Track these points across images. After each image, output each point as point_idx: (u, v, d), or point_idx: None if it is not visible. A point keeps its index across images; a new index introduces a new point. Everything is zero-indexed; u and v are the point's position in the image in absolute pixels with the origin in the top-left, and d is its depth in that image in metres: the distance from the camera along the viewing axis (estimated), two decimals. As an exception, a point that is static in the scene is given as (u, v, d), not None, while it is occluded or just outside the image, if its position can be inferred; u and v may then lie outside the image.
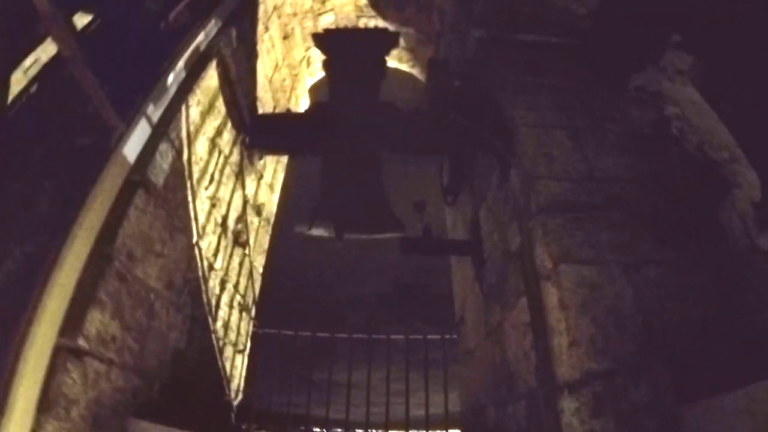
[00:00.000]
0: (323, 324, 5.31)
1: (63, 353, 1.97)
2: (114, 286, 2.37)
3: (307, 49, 5.81)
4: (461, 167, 3.94)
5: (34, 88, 3.12)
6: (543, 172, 2.87)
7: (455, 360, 4.57)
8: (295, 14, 5.32)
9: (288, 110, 4.96)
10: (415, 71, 6.12)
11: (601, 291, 2.28)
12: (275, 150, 4.27)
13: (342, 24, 5.86)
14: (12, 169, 2.58)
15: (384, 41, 4.15)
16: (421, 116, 3.94)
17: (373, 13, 5.78)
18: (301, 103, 5.95)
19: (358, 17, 5.87)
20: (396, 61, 6.12)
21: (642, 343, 2.16)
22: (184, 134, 3.10)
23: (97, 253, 2.33)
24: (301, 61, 5.74)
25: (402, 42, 5.99)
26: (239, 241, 3.89)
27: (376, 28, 5.21)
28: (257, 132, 3.93)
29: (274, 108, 4.86)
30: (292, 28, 5.29)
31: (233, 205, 3.81)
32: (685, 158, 3.25)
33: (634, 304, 2.26)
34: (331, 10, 5.73)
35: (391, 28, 5.89)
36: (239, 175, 3.93)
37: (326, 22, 5.78)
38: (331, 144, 3.78)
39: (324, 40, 4.13)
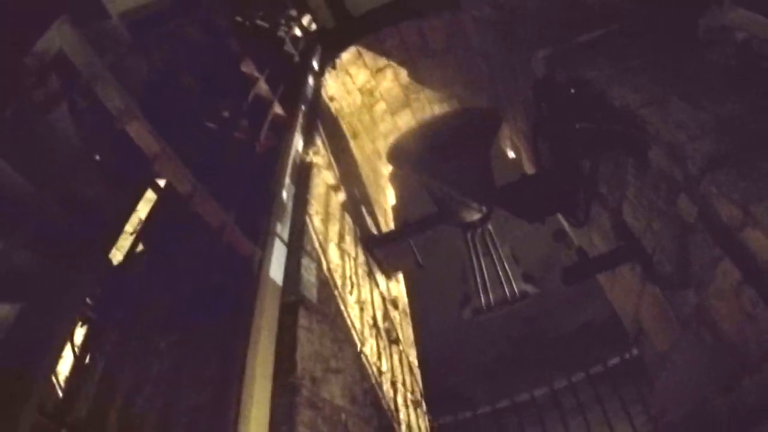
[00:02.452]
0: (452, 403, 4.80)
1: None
2: (308, 415, 2.07)
3: (373, 141, 5.78)
4: (586, 184, 3.56)
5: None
6: (683, 137, 2.60)
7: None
8: (352, 113, 5.33)
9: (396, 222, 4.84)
10: (479, 122, 5.93)
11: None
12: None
13: (394, 106, 5.85)
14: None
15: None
16: (530, 179, 3.71)
17: (419, 86, 5.75)
18: (388, 194, 5.81)
19: (406, 95, 5.84)
20: (456, 121, 5.97)
21: None
22: (317, 245, 2.91)
23: (281, 384, 2.06)
24: (372, 154, 5.68)
25: (455, 102, 5.90)
26: (391, 338, 3.57)
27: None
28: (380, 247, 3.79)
29: (370, 202, 4.71)
30: (355, 125, 5.27)
31: (376, 305, 3.54)
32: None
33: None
34: (381, 99, 5.74)
35: (439, 94, 5.82)
36: (371, 274, 3.69)
37: (380, 110, 5.78)
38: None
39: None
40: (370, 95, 5.68)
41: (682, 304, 3.04)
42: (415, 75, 5.74)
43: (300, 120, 3.97)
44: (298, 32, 5.44)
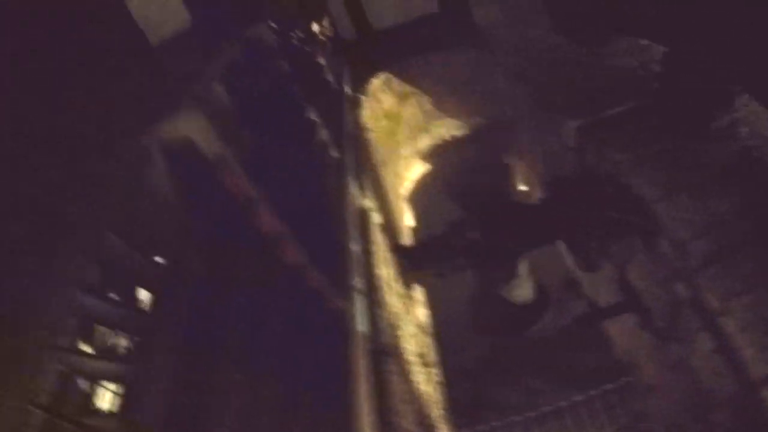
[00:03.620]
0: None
1: None
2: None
3: (395, 165, 6.48)
4: (595, 242, 4.41)
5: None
6: (686, 235, 3.61)
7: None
8: (379, 139, 6.01)
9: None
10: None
11: (759, 309, 3.16)
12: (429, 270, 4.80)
13: (415, 132, 6.54)
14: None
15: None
16: (542, 206, 4.50)
17: (440, 114, 6.45)
18: (405, 216, 6.56)
19: (426, 121, 6.55)
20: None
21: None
22: (384, 293, 3.66)
23: (380, 422, 2.83)
24: (395, 178, 6.39)
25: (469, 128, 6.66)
26: (426, 362, 4.38)
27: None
28: (412, 259, 4.51)
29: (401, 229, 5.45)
30: (382, 152, 5.96)
31: (413, 333, 4.32)
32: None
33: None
34: (404, 123, 6.44)
35: (459, 122, 6.56)
36: (408, 305, 4.46)
37: (403, 135, 6.48)
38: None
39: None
40: (394, 120, 6.35)
41: (669, 352, 4.02)
42: (437, 103, 6.43)
43: (352, 163, 4.62)
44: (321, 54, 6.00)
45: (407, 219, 6.43)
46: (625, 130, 4.36)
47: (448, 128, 6.60)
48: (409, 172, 6.83)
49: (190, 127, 2.36)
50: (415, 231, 6.41)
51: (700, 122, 4.23)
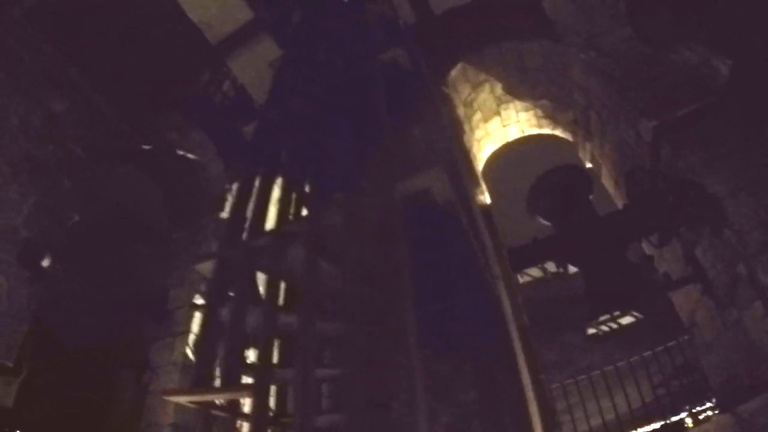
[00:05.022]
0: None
1: None
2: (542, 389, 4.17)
3: (470, 148, 7.54)
4: (668, 227, 5.61)
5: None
6: (747, 227, 4.90)
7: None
8: (458, 126, 7.04)
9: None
10: (557, 131, 7.79)
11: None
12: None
13: (487, 115, 7.57)
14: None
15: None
16: (622, 214, 5.70)
17: (510, 98, 7.46)
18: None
19: (498, 105, 7.56)
20: (537, 128, 7.80)
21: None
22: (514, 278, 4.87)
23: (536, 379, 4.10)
24: (472, 161, 7.47)
25: (540, 111, 7.69)
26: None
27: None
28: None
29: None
30: (462, 138, 7.01)
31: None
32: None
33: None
34: (477, 109, 7.45)
35: (527, 104, 7.58)
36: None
37: (476, 119, 7.51)
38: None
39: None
40: (470, 107, 7.39)
41: (727, 315, 5.31)
42: (509, 88, 7.43)
43: (464, 161, 5.69)
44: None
45: (487, 197, 7.56)
46: (697, 131, 5.47)
47: (517, 110, 7.63)
48: (481, 153, 7.91)
49: (430, 179, 3.16)
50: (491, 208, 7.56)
51: (760, 124, 5.35)
